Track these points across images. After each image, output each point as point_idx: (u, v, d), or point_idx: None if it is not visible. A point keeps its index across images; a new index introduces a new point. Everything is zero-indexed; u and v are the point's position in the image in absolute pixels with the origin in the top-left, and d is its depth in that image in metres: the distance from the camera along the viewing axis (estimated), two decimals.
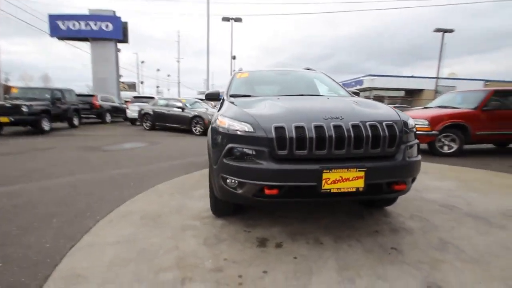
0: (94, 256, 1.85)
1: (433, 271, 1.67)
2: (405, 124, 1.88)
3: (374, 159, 1.75)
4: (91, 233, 2.18)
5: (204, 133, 8.96)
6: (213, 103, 9.82)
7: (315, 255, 1.85)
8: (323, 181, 1.65)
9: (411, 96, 34.41)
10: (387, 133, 1.75)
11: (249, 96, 2.79)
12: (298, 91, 2.98)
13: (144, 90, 50.58)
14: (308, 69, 3.83)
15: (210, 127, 2.34)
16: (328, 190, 1.67)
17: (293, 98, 2.52)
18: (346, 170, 1.65)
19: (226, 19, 17.27)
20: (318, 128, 1.70)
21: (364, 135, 1.72)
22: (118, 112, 13.97)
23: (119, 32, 18.51)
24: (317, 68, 3.85)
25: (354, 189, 1.68)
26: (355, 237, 2.10)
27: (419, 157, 1.98)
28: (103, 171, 4.13)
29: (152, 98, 13.25)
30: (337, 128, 1.70)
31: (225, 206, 2.30)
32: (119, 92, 19.80)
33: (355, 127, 1.72)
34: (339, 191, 1.67)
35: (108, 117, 12.90)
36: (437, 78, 23.92)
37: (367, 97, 22.99)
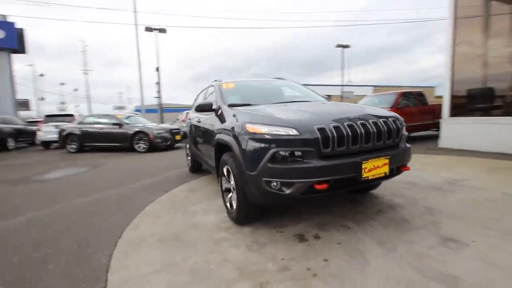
0: None
1: (438, 229, 2.16)
2: (400, 119, 2.37)
3: (389, 149, 2.17)
4: (114, 270, 1.88)
5: (149, 150, 8.30)
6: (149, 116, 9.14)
7: (352, 238, 2.12)
8: (362, 171, 1.94)
9: None
10: (395, 127, 2.19)
11: (249, 104, 2.90)
12: (289, 98, 3.26)
13: (44, 108, 42.38)
14: (278, 79, 4.17)
15: (228, 137, 2.34)
16: (366, 178, 1.97)
17: (301, 104, 2.78)
18: (377, 159, 1.99)
19: (149, 29, 16.35)
20: (351, 127, 1.99)
21: (382, 129, 2.11)
22: (24, 136, 11.37)
23: (14, 41, 15.11)
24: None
25: (382, 174, 2.04)
26: (369, 218, 2.47)
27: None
28: (63, 203, 3.43)
29: (70, 115, 11.39)
30: (364, 125, 2.03)
31: (255, 212, 2.34)
32: (16, 112, 16.03)
33: (375, 124, 2.09)
34: (373, 177, 2.00)
35: (11, 143, 10.32)
36: (341, 85, 28.56)
37: None
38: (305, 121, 2.02)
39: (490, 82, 5.70)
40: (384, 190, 3.23)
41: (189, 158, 5.00)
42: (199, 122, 3.75)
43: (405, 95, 7.63)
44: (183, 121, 12.93)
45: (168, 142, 8.61)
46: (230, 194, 2.59)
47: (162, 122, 16.77)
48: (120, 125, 8.60)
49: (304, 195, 1.95)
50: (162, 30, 16.76)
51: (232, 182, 2.43)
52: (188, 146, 4.93)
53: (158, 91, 18.70)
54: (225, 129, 2.54)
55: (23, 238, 2.44)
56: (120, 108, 37.37)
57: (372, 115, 2.21)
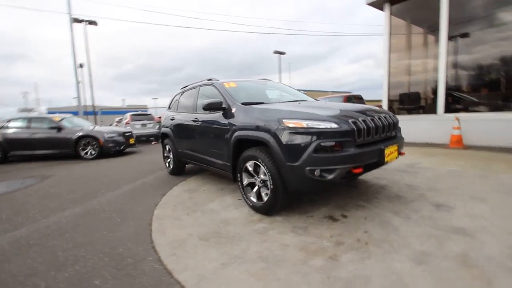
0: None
1: (427, 199, 2.77)
2: (394, 115, 2.92)
3: (395, 138, 2.67)
4: (179, 271, 1.81)
5: (100, 156, 7.38)
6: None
7: (372, 213, 2.53)
8: (384, 156, 2.37)
9: None
10: (395, 120, 2.72)
11: (262, 103, 3.06)
12: (292, 97, 3.55)
13: None
14: (265, 79, 4.41)
15: (269, 132, 2.41)
16: (386, 162, 2.41)
17: (316, 103, 3.11)
18: (391, 146, 2.45)
19: (78, 20, 14.20)
20: (373, 120, 2.40)
21: (390, 122, 2.59)
22: None
23: None
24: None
25: (394, 158, 2.52)
26: (372, 197, 2.95)
27: None
28: (43, 220, 2.88)
29: None
30: (380, 119, 2.47)
31: (287, 201, 2.53)
32: None
33: (385, 118, 2.56)
34: (389, 160, 2.45)
35: None
36: None
37: None
38: (338, 116, 2.33)
39: (414, 88, 7.21)
40: (365, 175, 3.83)
41: (169, 160, 4.77)
42: (196, 121, 3.68)
43: (349, 98, 8.88)
44: (127, 123, 11.83)
45: (122, 147, 7.81)
46: (256, 188, 2.71)
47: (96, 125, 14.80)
48: (59, 129, 7.34)
49: (343, 179, 2.27)
50: (93, 22, 14.79)
51: (262, 176, 2.56)
52: (168, 147, 4.69)
53: (88, 92, 16.41)
54: (249, 126, 2.65)
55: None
56: (29, 110, 30.99)
57: (377, 111, 2.68)
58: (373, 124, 2.37)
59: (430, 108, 6.72)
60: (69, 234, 2.49)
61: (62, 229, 2.62)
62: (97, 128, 7.96)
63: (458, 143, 5.72)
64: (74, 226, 2.67)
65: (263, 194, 2.62)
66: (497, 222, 2.19)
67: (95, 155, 7.34)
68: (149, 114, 12.77)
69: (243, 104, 2.99)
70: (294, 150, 2.25)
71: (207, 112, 3.49)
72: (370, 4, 7.12)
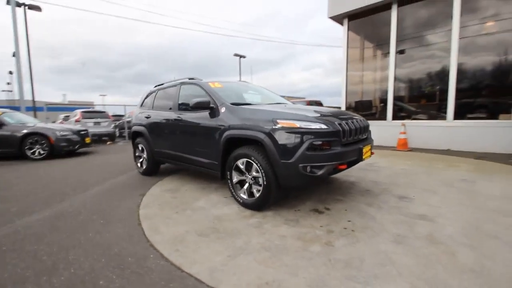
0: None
1: (391, 192, 3.22)
2: (365, 119, 3.33)
3: (367, 139, 3.06)
4: (188, 266, 1.84)
5: (50, 157, 6.62)
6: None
7: (350, 205, 2.85)
8: (363, 154, 2.71)
9: None
10: (367, 124, 3.11)
11: (249, 104, 3.19)
12: (273, 100, 3.75)
13: None
14: (244, 81, 4.55)
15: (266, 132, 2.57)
16: (363, 159, 2.75)
17: (300, 106, 3.35)
18: (366, 146, 2.82)
19: (18, 4, 12.29)
20: (352, 123, 2.73)
21: (364, 125, 2.97)
22: None
23: None
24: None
25: (369, 156, 2.89)
26: (346, 192, 3.31)
27: None
28: (8, 224, 2.54)
29: None
30: (356, 122, 2.82)
31: (279, 196, 2.70)
32: None
33: (359, 121, 2.93)
34: (365, 158, 2.81)
35: None
36: None
37: None
38: (326, 118, 2.60)
39: (367, 97, 8.09)
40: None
41: (142, 159, 4.57)
42: (177, 120, 3.63)
43: (310, 103, 9.52)
44: (77, 121, 10.74)
45: (76, 147, 7.10)
46: (246, 185, 2.83)
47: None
48: (0, 125, 6.37)
49: (330, 174, 2.54)
50: (35, 7, 12.97)
51: (255, 173, 2.69)
52: (141, 147, 4.49)
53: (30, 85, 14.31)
54: (242, 126, 2.76)
55: None
56: None
57: (353, 115, 3.05)
58: (353, 126, 2.71)
59: (381, 114, 7.62)
60: (49, 238, 2.28)
61: (38, 233, 2.38)
62: (47, 125, 7.11)
63: (404, 146, 6.62)
64: (51, 230, 2.45)
65: (254, 191, 2.75)
66: (448, 209, 2.69)
67: (44, 155, 6.54)
68: (103, 112, 11.78)
69: (233, 104, 3.09)
70: (288, 149, 2.45)
71: (190, 111, 3.50)
72: (332, 17, 7.80)
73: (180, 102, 3.78)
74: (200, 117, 3.31)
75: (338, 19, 7.81)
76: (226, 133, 2.91)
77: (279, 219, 2.56)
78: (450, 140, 6.15)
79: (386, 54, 7.29)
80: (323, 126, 2.47)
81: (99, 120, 11.19)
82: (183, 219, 2.65)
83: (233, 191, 2.94)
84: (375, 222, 2.43)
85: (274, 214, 2.68)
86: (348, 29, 7.72)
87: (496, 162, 4.77)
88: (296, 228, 2.37)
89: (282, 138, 2.47)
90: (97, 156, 7.22)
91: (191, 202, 3.13)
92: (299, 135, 2.44)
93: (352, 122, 2.75)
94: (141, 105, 4.74)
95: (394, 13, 6.74)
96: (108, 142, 11.12)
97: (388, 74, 7.08)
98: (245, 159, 2.75)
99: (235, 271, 1.75)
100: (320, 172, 2.44)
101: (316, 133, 2.44)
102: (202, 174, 4.39)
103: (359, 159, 2.71)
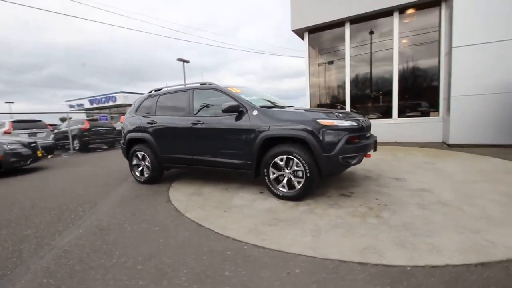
0: None
1: (385, 176, 3.99)
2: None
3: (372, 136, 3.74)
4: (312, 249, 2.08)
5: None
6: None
7: (365, 188, 3.46)
8: (376, 146, 3.35)
9: None
10: (370, 123, 3.80)
11: (274, 107, 3.52)
12: (278, 102, 4.12)
13: None
14: (244, 86, 4.80)
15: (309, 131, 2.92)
16: (375, 150, 3.40)
17: (316, 109, 3.77)
18: (375, 140, 3.47)
19: None
20: (365, 121, 3.34)
21: (369, 124, 3.63)
22: None
23: None
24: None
25: (375, 149, 3.55)
26: (354, 180, 3.94)
27: None
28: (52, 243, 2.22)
29: None
30: (366, 121, 3.45)
31: (316, 185, 3.11)
32: None
33: (367, 120, 3.58)
34: (375, 150, 3.46)
35: None
36: None
37: (123, 113, 24.15)
38: (350, 117, 3.14)
39: (326, 100, 9.21)
40: None
41: (141, 168, 4.35)
42: (196, 124, 3.67)
43: None
44: (5, 133, 8.95)
45: (29, 161, 6.03)
46: (285, 179, 3.15)
47: None
48: None
49: (358, 163, 3.08)
50: None
51: (295, 167, 3.03)
52: (141, 155, 4.27)
53: None
54: (283, 126, 3.07)
55: None
56: None
57: (358, 115, 3.69)
58: (366, 124, 3.33)
59: None
60: (128, 250, 2.17)
61: (102, 250, 2.22)
62: None
63: None
64: (115, 244, 2.30)
65: (295, 183, 3.09)
66: (434, 183, 3.55)
67: None
68: (39, 121, 10.05)
69: (263, 107, 3.37)
70: (329, 143, 2.89)
71: (212, 115, 3.62)
72: (294, 31, 8.65)
73: (196, 106, 3.82)
74: (227, 121, 3.46)
75: (299, 32, 8.70)
76: (264, 133, 3.17)
77: (322, 204, 2.97)
78: (396, 134, 7.59)
79: (339, 63, 8.48)
80: (354, 123, 3.00)
81: (34, 130, 9.55)
82: (238, 216, 2.80)
83: (270, 186, 3.22)
84: (395, 197, 3.07)
85: (313, 202, 3.08)
86: (309, 41, 8.68)
87: (436, 149, 6.21)
88: (342, 209, 2.82)
89: (324, 135, 2.90)
90: (58, 171, 6.27)
91: (227, 202, 3.26)
92: (337, 132, 2.91)
93: (364, 121, 3.37)
94: (136, 110, 4.50)
95: (347, 30, 7.95)
96: (50, 156, 9.57)
97: (346, 81, 8.26)
98: (285, 156, 3.07)
99: (330, 245, 2.09)
100: (353, 162, 2.97)
101: (349, 129, 2.95)
102: (210, 177, 4.46)
103: (375, 149, 3.35)
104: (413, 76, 7.57)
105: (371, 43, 7.99)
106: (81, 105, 31.34)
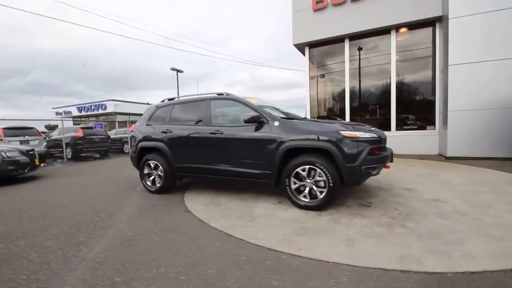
0: None
1: (396, 186, 4.11)
2: None
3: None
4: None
5: None
6: None
7: (382, 199, 3.56)
8: (392, 157, 3.47)
9: None
10: (386, 135, 3.94)
11: (293, 119, 3.60)
12: (289, 113, 4.21)
13: None
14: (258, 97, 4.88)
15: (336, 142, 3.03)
16: (391, 161, 3.52)
17: (328, 120, 3.89)
18: (391, 151, 3.60)
19: None
20: (382, 133, 3.48)
21: (385, 136, 3.78)
22: None
23: None
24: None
25: (392, 160, 3.68)
26: (367, 191, 4.03)
27: None
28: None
29: None
30: (383, 133, 3.59)
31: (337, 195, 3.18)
32: None
33: (383, 133, 3.72)
34: (391, 161, 3.58)
35: None
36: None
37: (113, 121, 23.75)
38: (370, 129, 3.26)
39: (326, 112, 9.45)
40: None
41: (153, 177, 4.29)
42: (215, 134, 3.69)
43: None
44: None
45: (27, 169, 5.79)
46: (307, 189, 3.19)
47: None
48: None
49: (377, 174, 3.17)
50: None
51: (318, 177, 3.08)
52: (154, 164, 4.22)
53: None
54: (306, 137, 3.14)
55: None
56: None
57: (372, 127, 3.83)
58: (384, 136, 3.47)
59: None
60: (156, 261, 2.12)
61: (129, 258, 2.16)
62: None
63: None
64: (141, 254, 2.25)
65: (317, 193, 3.14)
66: (444, 193, 3.69)
67: None
68: (32, 128, 9.71)
69: (283, 118, 3.45)
70: (352, 154, 2.98)
71: (232, 125, 3.67)
72: (295, 45, 8.93)
73: (214, 116, 3.85)
74: (247, 131, 3.50)
75: (300, 47, 9.00)
76: (286, 144, 3.23)
77: (345, 214, 3.03)
78: (394, 146, 7.84)
79: (338, 77, 8.78)
80: (374, 135, 3.12)
81: (27, 138, 9.21)
82: (264, 225, 2.81)
83: (292, 196, 3.26)
84: (413, 208, 3.17)
85: (335, 212, 3.13)
86: (310, 55, 8.96)
87: (434, 161, 6.46)
88: (366, 219, 2.88)
89: (347, 146, 2.99)
90: (56, 180, 6.05)
91: (249, 212, 3.26)
92: (359, 143, 3.01)
93: (382, 133, 3.51)
94: (149, 119, 4.48)
95: (347, 45, 8.29)
96: (42, 164, 9.21)
97: (345, 95, 8.53)
98: (307, 166, 3.14)
99: (367, 254, 2.13)
100: (374, 172, 3.06)
101: (371, 141, 3.07)
102: (222, 187, 4.45)
103: (392, 161, 3.48)
104: (410, 91, 7.93)
105: (368, 57, 8.35)
106: (69, 112, 30.53)
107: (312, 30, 8.45)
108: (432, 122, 7.53)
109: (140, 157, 4.43)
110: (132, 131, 4.66)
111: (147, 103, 39.64)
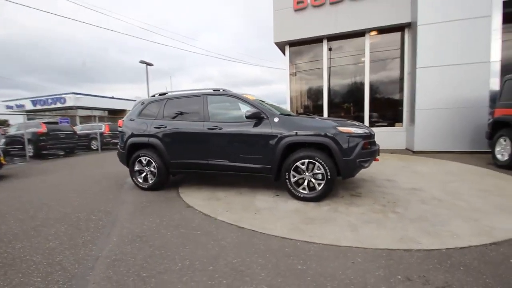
0: None
1: (377, 178, 4.51)
2: None
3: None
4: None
5: None
6: None
7: (368, 189, 3.90)
8: (379, 151, 3.81)
9: (115, 115, 36.56)
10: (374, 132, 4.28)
11: (289, 115, 3.76)
12: (285, 110, 4.38)
13: None
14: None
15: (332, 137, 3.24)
16: (378, 154, 3.86)
17: (322, 117, 4.07)
18: (379, 146, 3.94)
19: None
20: (370, 130, 3.79)
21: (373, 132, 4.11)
22: None
23: None
24: None
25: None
26: (353, 182, 4.36)
27: None
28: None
29: None
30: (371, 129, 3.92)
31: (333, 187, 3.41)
32: None
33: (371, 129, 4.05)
34: (378, 154, 3.91)
35: None
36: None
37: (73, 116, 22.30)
38: (361, 125, 3.54)
39: (303, 109, 9.81)
40: None
41: (145, 174, 4.18)
42: (214, 129, 3.71)
43: None
44: None
45: None
46: (306, 182, 3.39)
47: None
48: None
49: (369, 166, 3.47)
50: None
51: (316, 170, 3.30)
52: (146, 160, 4.11)
53: None
54: (306, 133, 3.32)
55: None
56: None
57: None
58: (373, 132, 3.79)
59: None
60: (177, 255, 2.14)
61: (148, 253, 2.16)
62: None
63: None
64: (159, 248, 2.25)
65: (316, 185, 3.35)
66: (419, 183, 4.14)
67: None
68: None
69: (282, 114, 3.59)
70: (348, 148, 3.24)
71: (231, 121, 3.73)
72: (276, 43, 9.11)
73: (211, 112, 3.87)
74: (246, 126, 3.59)
75: (281, 45, 9.20)
76: (286, 139, 3.38)
77: (341, 204, 3.28)
78: None
79: (317, 75, 9.17)
80: (366, 131, 3.41)
81: None
82: (270, 217, 2.95)
83: (291, 189, 3.43)
84: (397, 196, 3.53)
85: (332, 202, 3.37)
86: (290, 54, 9.21)
87: (403, 154, 7.11)
88: (361, 207, 3.16)
89: (344, 141, 3.24)
90: (28, 179, 5.53)
91: (251, 205, 3.37)
92: (354, 138, 3.27)
93: (371, 130, 3.82)
94: (139, 114, 4.33)
95: (325, 45, 8.68)
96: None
97: (324, 92, 8.94)
98: (306, 160, 3.33)
99: (372, 238, 2.38)
100: (366, 165, 3.36)
101: (363, 136, 3.35)
102: (217, 182, 4.49)
103: (378, 154, 3.81)
104: (381, 90, 8.57)
105: (345, 57, 8.85)
106: (22, 106, 27.61)
107: (292, 30, 8.69)
108: (400, 120, 8.24)
109: (130, 153, 4.27)
110: (120, 127, 4.46)
111: (113, 97, 37.47)
